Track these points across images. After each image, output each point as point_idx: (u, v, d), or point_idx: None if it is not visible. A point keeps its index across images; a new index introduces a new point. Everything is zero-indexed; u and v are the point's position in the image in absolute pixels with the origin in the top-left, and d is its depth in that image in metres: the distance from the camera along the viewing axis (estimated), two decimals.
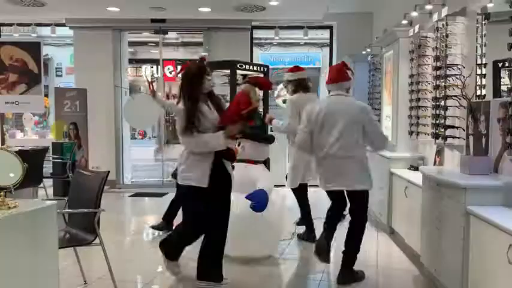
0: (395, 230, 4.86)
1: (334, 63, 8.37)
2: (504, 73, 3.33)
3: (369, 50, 6.86)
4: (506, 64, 3.07)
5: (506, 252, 2.36)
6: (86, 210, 3.13)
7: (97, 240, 3.12)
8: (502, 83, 3.41)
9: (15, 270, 2.22)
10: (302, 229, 4.85)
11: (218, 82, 6.90)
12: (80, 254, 3.54)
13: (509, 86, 2.94)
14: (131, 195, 7.43)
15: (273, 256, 4.31)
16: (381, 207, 5.21)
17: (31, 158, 5.45)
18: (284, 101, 11.56)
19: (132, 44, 10.33)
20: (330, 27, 8.56)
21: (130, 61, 9.26)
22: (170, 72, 14.59)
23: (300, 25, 8.65)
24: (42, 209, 2.45)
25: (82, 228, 3.21)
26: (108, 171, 3.23)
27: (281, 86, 11.94)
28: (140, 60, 13.25)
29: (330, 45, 8.72)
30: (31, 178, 5.36)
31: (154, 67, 13.47)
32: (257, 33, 9.54)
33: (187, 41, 12.30)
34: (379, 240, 4.91)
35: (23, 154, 5.36)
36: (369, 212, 6.01)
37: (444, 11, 3.91)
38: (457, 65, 3.85)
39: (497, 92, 3.42)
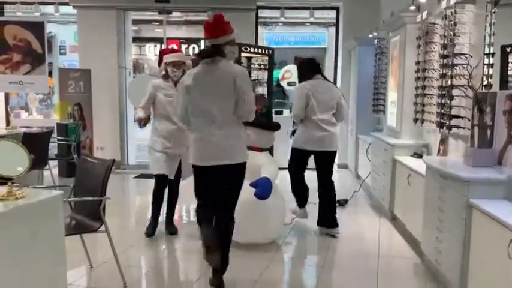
0: (397, 216, 4.90)
1: (340, 44, 8.27)
2: None
3: (375, 33, 6.76)
4: None
5: (507, 247, 2.38)
6: (91, 199, 3.17)
7: (103, 227, 3.16)
8: (510, 68, 3.34)
9: (23, 260, 2.27)
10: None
11: None
12: (86, 238, 3.59)
13: None
14: (136, 177, 7.46)
15: (276, 241, 4.37)
16: (383, 192, 5.24)
17: (37, 141, 5.50)
18: (289, 84, 11.48)
19: (135, 22, 10.22)
20: (337, 8, 8.43)
21: (134, 39, 9.18)
22: None
23: (306, 6, 8.53)
24: (49, 199, 2.48)
25: (88, 215, 3.25)
26: (113, 160, 3.24)
27: (286, 68, 11.84)
28: (144, 38, 13.14)
29: (336, 25, 8.59)
30: (37, 161, 5.40)
31: (158, 45, 13.37)
32: (263, 12, 9.41)
33: (192, 20, 12.16)
34: (380, 225, 4.95)
35: (29, 137, 5.44)
36: (371, 196, 6.00)
37: None
38: (465, 54, 3.80)
39: (504, 84, 3.38)
